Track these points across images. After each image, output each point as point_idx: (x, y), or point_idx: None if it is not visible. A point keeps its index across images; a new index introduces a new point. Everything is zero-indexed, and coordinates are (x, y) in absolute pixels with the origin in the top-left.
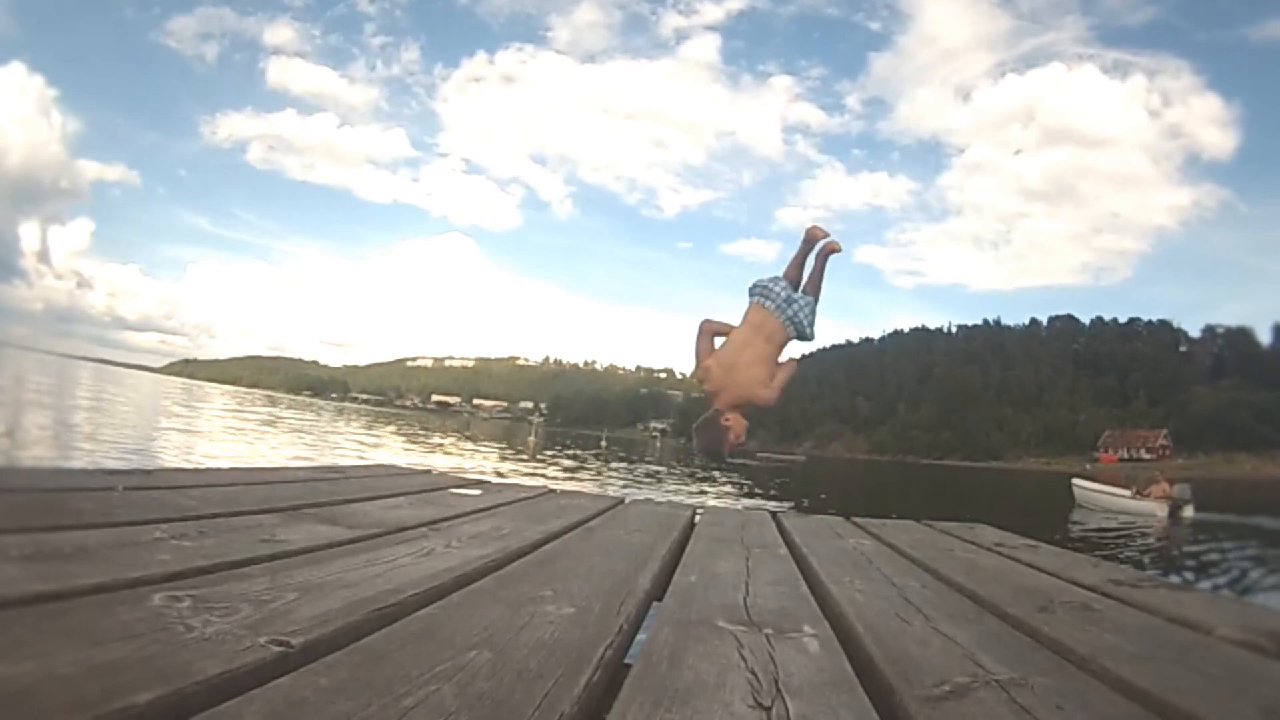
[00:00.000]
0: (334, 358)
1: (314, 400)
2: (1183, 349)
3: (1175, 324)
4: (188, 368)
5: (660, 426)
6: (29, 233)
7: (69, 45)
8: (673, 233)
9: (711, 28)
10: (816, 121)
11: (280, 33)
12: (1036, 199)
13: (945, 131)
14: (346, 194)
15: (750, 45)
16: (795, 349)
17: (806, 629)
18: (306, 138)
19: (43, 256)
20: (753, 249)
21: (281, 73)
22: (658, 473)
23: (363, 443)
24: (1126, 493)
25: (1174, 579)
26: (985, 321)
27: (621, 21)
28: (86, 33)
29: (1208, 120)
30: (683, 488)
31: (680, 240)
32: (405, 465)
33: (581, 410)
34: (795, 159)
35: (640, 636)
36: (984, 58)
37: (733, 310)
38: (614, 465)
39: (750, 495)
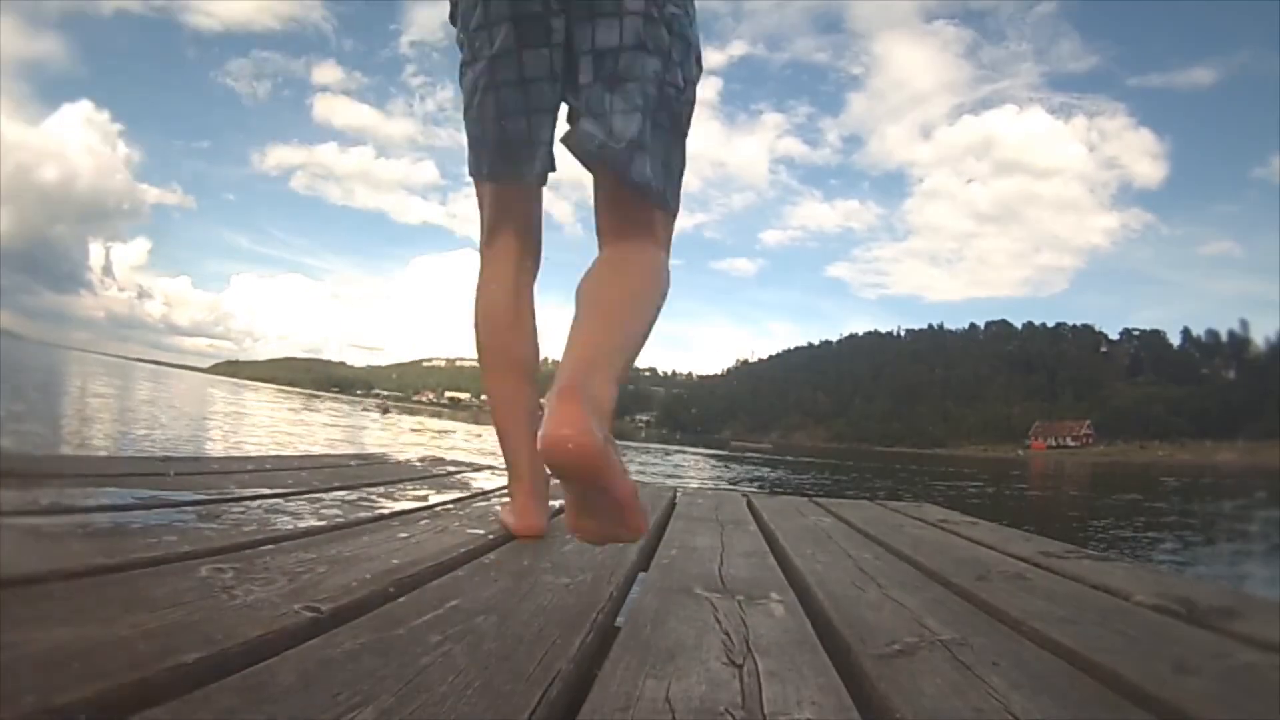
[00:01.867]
0: (359, 359)
1: (339, 396)
2: (1104, 350)
3: (1097, 328)
4: (231, 368)
5: (645, 419)
6: (96, 250)
7: (133, 84)
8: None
9: (713, 72)
10: (800, 154)
11: (328, 73)
12: (987, 221)
13: (909, 163)
14: (381, 216)
15: (747, 87)
16: (760, 346)
17: (774, 596)
18: (346, 166)
19: (107, 271)
20: (738, 266)
21: (327, 109)
22: (643, 460)
23: (386, 432)
24: None
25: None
26: (930, 326)
27: None
28: (151, 72)
29: (1140, 153)
30: (663, 472)
31: (674, 259)
32: (423, 452)
33: None
34: (779, 187)
35: (628, 603)
36: (946, 100)
37: (710, 315)
38: None
39: (725, 478)
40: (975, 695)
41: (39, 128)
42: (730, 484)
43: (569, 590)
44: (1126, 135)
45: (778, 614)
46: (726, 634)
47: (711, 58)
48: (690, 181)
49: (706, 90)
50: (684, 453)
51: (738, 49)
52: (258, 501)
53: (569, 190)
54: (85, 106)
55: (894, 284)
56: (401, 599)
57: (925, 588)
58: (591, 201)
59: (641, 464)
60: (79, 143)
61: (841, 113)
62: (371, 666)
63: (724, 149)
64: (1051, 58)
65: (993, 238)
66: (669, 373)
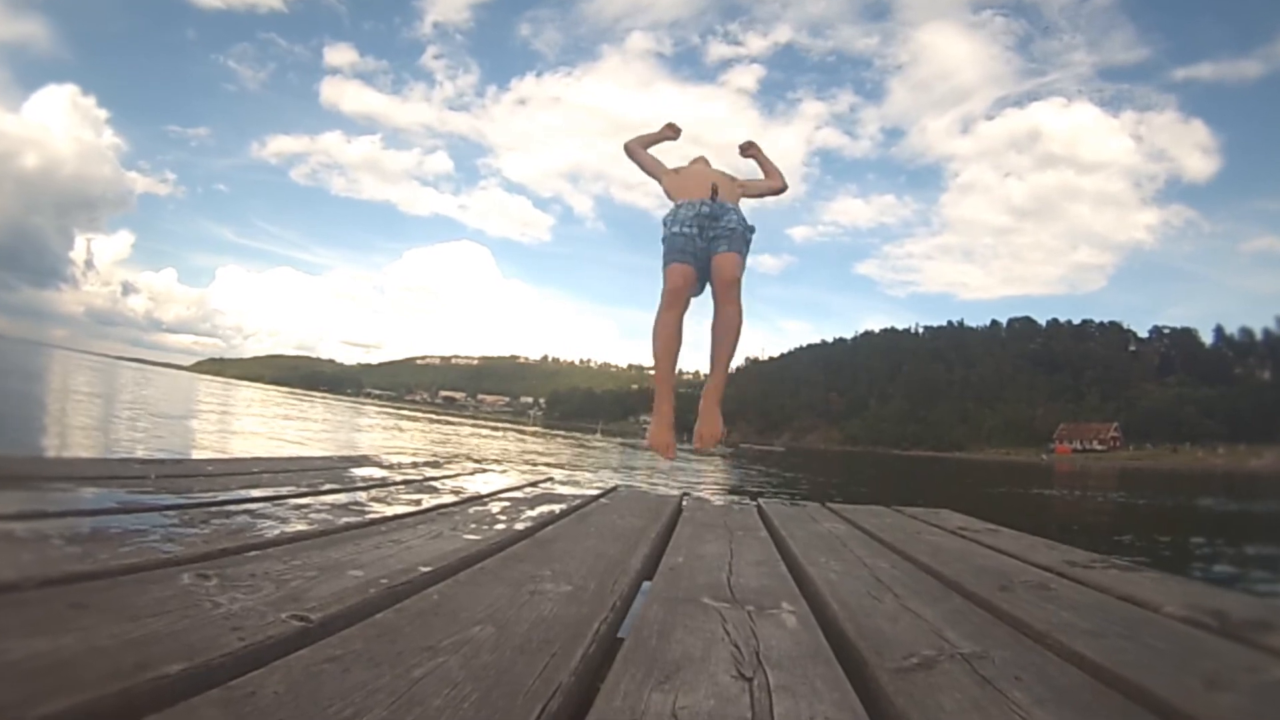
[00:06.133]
0: (350, 356)
1: (327, 396)
2: (1132, 348)
3: (1125, 325)
4: (215, 366)
5: (649, 419)
6: (79, 243)
7: (124, 68)
8: None
9: (756, 59)
10: (838, 145)
11: (342, 55)
12: (1026, 217)
13: (947, 157)
14: (389, 207)
15: (788, 75)
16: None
17: (785, 606)
18: (352, 156)
19: (89, 264)
20: (761, 262)
21: (336, 93)
22: (651, 465)
23: (377, 433)
24: None
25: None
26: (949, 323)
27: (673, 50)
28: (145, 56)
29: (1192, 146)
30: (671, 476)
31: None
32: (415, 454)
33: (577, 405)
34: (812, 181)
35: (632, 613)
36: (991, 91)
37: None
38: (609, 455)
39: (733, 483)
40: (997, 711)
41: (19, 114)
42: (738, 488)
43: (570, 599)
44: (1177, 128)
45: (789, 625)
46: (736, 646)
47: (753, 43)
48: None
49: (745, 78)
50: (686, 450)
51: (782, 34)
52: (243, 505)
53: (589, 183)
54: (70, 90)
55: (926, 281)
56: (394, 607)
57: (944, 598)
58: (611, 197)
59: (641, 469)
60: (62, 129)
61: (884, 102)
62: (363, 679)
63: (760, 139)
64: (1104, 49)
65: (1030, 234)
66: (676, 371)
